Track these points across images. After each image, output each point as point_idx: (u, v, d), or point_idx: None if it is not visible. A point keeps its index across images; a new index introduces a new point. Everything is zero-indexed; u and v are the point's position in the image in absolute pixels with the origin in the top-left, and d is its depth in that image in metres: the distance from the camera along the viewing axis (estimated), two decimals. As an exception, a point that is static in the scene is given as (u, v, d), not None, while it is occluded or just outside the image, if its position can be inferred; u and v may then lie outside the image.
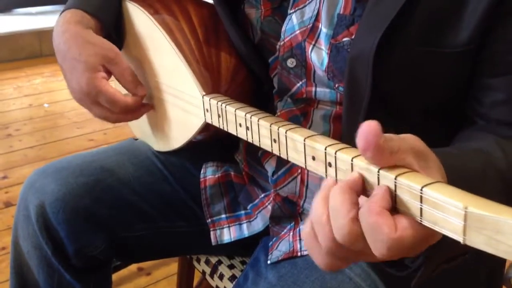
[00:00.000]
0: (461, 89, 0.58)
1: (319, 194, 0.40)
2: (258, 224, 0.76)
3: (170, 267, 1.48)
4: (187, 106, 0.69)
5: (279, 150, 0.53)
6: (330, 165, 0.44)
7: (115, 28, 0.76)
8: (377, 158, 0.37)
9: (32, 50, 3.35)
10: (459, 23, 0.52)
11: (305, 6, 0.61)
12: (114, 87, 0.72)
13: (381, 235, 0.35)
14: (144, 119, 0.82)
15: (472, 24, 0.52)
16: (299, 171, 0.67)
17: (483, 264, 0.67)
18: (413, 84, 0.56)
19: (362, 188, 0.39)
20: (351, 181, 0.39)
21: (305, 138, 0.48)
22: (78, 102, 0.72)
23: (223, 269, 0.84)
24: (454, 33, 0.53)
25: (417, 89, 0.57)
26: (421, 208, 0.35)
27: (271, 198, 0.71)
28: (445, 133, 0.60)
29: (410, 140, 0.38)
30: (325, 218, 0.39)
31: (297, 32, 0.62)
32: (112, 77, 0.73)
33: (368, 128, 0.36)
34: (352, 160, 0.41)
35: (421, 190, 0.35)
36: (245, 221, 0.78)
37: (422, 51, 0.54)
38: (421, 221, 0.35)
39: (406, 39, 0.53)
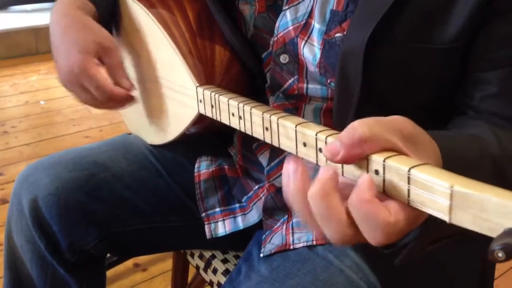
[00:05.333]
0: (452, 85, 0.59)
1: (298, 189, 0.40)
2: (253, 216, 0.76)
3: (166, 263, 1.48)
4: (181, 98, 0.69)
5: (271, 138, 0.53)
6: (320, 150, 0.45)
7: (109, 17, 0.77)
8: (354, 158, 0.38)
9: (28, 48, 3.34)
10: (449, 20, 0.53)
11: (299, 3, 0.62)
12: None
13: (377, 222, 0.35)
14: (138, 112, 0.82)
15: (461, 21, 0.52)
16: (292, 163, 0.67)
17: (475, 263, 0.68)
18: (403, 80, 0.57)
19: (337, 181, 0.39)
20: (327, 180, 0.38)
21: (296, 125, 0.48)
22: (63, 82, 0.72)
23: (216, 263, 0.84)
24: (443, 29, 0.53)
25: (407, 85, 0.57)
26: (408, 189, 0.36)
27: (265, 190, 0.71)
28: (437, 128, 0.60)
29: (393, 122, 0.39)
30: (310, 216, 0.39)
31: (290, 28, 0.62)
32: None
33: (325, 154, 0.38)
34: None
35: (409, 171, 0.35)
36: (239, 214, 0.78)
37: (412, 47, 0.54)
38: (408, 202, 0.36)
39: (397, 35, 0.54)
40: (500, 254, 0.29)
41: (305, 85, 0.63)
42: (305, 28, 0.61)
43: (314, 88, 0.63)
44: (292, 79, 0.64)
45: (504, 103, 0.56)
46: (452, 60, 0.55)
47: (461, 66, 0.57)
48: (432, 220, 0.37)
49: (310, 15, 0.60)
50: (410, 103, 0.59)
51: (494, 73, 0.55)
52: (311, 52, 0.60)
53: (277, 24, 0.63)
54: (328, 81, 0.60)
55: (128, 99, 0.74)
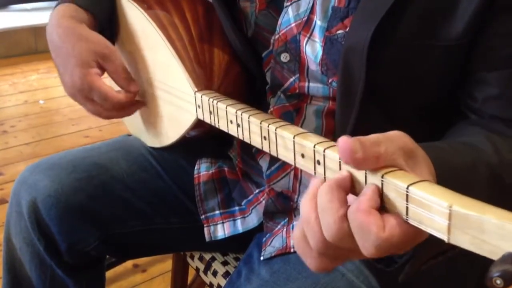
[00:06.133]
0: (455, 85, 0.58)
1: (307, 193, 0.40)
2: (253, 220, 0.76)
3: (166, 264, 1.48)
4: (179, 102, 0.69)
5: (269, 148, 0.53)
6: (319, 163, 0.44)
7: (108, 23, 0.76)
8: (362, 167, 0.37)
9: (27, 47, 3.34)
10: (453, 17, 0.52)
11: None
12: (108, 83, 0.72)
13: (370, 234, 0.35)
14: (137, 115, 0.81)
15: (466, 18, 0.52)
16: (293, 166, 0.67)
17: (473, 271, 0.67)
18: (406, 78, 0.56)
19: (351, 186, 0.39)
20: (339, 179, 0.39)
21: (294, 136, 0.48)
22: (70, 97, 0.72)
23: (216, 265, 0.84)
24: (448, 26, 0.53)
25: (410, 83, 0.57)
26: (407, 207, 0.35)
27: (265, 194, 0.71)
28: (438, 129, 0.60)
29: (397, 139, 0.38)
30: (314, 218, 0.39)
31: (293, 25, 0.62)
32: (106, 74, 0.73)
33: (343, 146, 0.36)
34: (340, 158, 0.41)
35: (407, 188, 0.35)
36: (239, 217, 0.77)
37: (416, 44, 0.54)
38: (407, 219, 0.35)
39: (400, 32, 0.53)
40: (498, 282, 0.28)
41: (306, 84, 0.63)
42: (307, 25, 0.60)
43: (315, 87, 0.62)
44: (293, 77, 0.63)
45: (506, 106, 0.55)
46: (456, 59, 0.55)
47: (464, 65, 0.56)
48: (430, 235, 0.36)
49: (312, 11, 0.60)
50: (413, 102, 0.59)
51: (496, 74, 0.55)
52: (313, 49, 0.60)
53: (279, 21, 0.63)
54: (330, 80, 0.60)
55: (136, 104, 0.74)
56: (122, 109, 0.73)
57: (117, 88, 0.73)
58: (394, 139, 0.38)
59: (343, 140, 0.36)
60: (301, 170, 0.67)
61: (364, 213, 0.35)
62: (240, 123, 0.57)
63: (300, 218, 0.41)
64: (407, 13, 0.52)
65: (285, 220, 0.70)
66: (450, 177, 0.36)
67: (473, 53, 0.55)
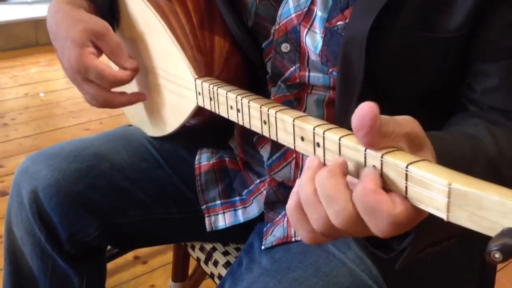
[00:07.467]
0: (454, 76, 0.58)
1: (306, 172, 0.40)
2: (254, 210, 0.76)
3: (167, 256, 1.48)
4: (180, 90, 0.69)
5: (269, 132, 0.53)
6: (318, 145, 0.44)
7: (109, 12, 0.76)
8: (368, 140, 0.37)
9: (27, 39, 3.33)
10: (453, 8, 0.52)
11: None
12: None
13: (382, 212, 0.35)
14: (139, 104, 0.81)
15: (465, 10, 0.52)
16: (294, 155, 0.67)
17: (475, 258, 0.67)
18: (405, 69, 0.56)
19: (346, 169, 0.39)
20: (340, 164, 0.39)
21: (294, 119, 0.48)
22: (71, 81, 0.71)
23: (217, 255, 0.84)
24: (447, 18, 0.53)
25: (409, 74, 0.57)
26: (406, 186, 0.35)
27: (266, 184, 0.71)
28: (437, 120, 0.60)
29: (407, 125, 0.38)
30: (317, 201, 0.38)
31: (293, 15, 0.61)
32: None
33: (366, 109, 0.35)
34: (340, 140, 0.41)
35: (407, 167, 0.35)
36: (240, 207, 0.77)
37: (415, 36, 0.54)
38: (406, 199, 0.35)
39: (400, 23, 0.53)
40: (497, 255, 0.28)
41: (306, 73, 0.63)
42: (307, 16, 0.60)
43: (316, 76, 0.62)
44: (294, 67, 0.63)
45: (505, 97, 0.55)
46: (456, 50, 0.55)
47: (464, 57, 0.56)
48: (428, 223, 0.36)
49: (313, 1, 0.60)
50: (413, 93, 0.58)
51: (496, 65, 0.55)
52: (313, 40, 0.60)
53: (279, 12, 0.62)
54: (330, 70, 0.60)
55: (137, 95, 0.74)
56: (123, 94, 0.72)
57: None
58: (403, 124, 0.38)
59: (371, 104, 0.35)
60: (302, 159, 0.67)
61: (373, 193, 0.35)
62: (240, 108, 0.57)
63: (295, 190, 0.41)
64: (406, 4, 0.52)
65: (286, 210, 0.70)
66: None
67: (472, 44, 0.55)
